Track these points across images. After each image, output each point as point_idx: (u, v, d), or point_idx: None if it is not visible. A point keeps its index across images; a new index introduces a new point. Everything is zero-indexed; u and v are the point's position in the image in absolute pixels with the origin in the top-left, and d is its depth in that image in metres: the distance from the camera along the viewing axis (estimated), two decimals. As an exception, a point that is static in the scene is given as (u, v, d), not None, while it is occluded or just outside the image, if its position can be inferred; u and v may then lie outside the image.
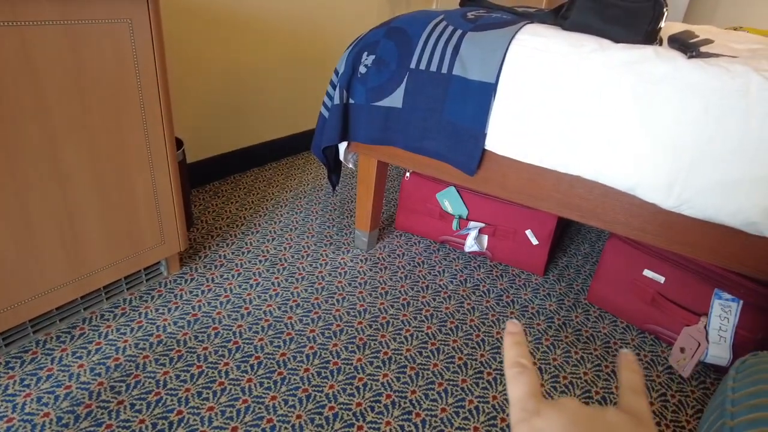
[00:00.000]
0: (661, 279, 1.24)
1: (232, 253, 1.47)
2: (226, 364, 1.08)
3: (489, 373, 1.13)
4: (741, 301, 1.11)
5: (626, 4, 1.07)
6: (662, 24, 1.07)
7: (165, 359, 1.07)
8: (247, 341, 1.14)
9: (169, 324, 1.17)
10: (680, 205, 0.95)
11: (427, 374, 1.11)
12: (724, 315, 1.11)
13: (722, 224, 0.93)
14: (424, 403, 1.04)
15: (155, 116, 1.11)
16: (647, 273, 1.27)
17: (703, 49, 0.98)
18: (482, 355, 1.18)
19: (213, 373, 1.05)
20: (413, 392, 1.06)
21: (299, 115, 2.22)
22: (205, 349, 1.11)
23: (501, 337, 1.24)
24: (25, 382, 0.99)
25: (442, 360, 1.15)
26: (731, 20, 2.98)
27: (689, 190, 0.93)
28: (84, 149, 1.00)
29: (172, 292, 1.28)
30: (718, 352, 1.11)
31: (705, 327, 1.14)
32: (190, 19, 1.61)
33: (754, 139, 0.85)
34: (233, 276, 1.36)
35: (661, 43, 1.14)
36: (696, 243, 1.00)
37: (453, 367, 1.13)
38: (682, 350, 1.17)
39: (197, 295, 1.28)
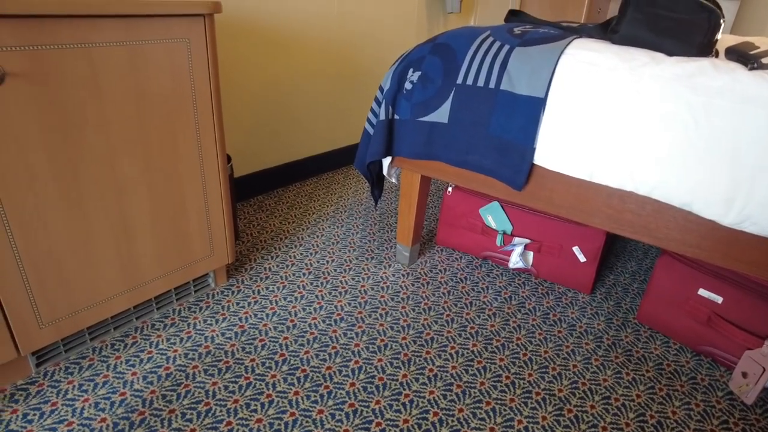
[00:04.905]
0: (719, 299, 1.19)
1: (277, 265, 1.49)
2: (274, 376, 1.09)
3: (538, 393, 1.10)
4: (808, 324, 1.05)
5: (679, 15, 1.04)
6: (718, 36, 1.04)
7: (214, 370, 1.09)
8: (294, 354, 1.15)
9: (217, 335, 1.19)
10: (742, 221, 0.91)
11: (474, 392, 1.09)
12: (790, 338, 1.05)
13: (789, 242, 0.89)
14: (472, 421, 1.02)
15: (209, 132, 1.14)
16: (703, 292, 1.22)
17: (765, 60, 0.95)
18: (530, 375, 1.15)
19: (261, 385, 1.06)
20: (461, 410, 1.04)
21: (339, 131, 2.25)
22: (253, 360, 1.12)
23: (549, 357, 1.21)
24: (83, 388, 1.02)
25: (489, 378, 1.13)
26: (783, 32, 2.88)
27: (752, 206, 0.89)
28: (141, 162, 1.04)
29: (220, 304, 1.30)
30: (784, 377, 1.05)
31: (769, 350, 1.08)
32: (235, 38, 1.67)
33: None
34: (278, 288, 1.38)
35: (717, 56, 1.11)
36: (760, 261, 0.96)
37: (500, 386, 1.11)
38: (745, 375, 1.11)
39: (244, 307, 1.30)
